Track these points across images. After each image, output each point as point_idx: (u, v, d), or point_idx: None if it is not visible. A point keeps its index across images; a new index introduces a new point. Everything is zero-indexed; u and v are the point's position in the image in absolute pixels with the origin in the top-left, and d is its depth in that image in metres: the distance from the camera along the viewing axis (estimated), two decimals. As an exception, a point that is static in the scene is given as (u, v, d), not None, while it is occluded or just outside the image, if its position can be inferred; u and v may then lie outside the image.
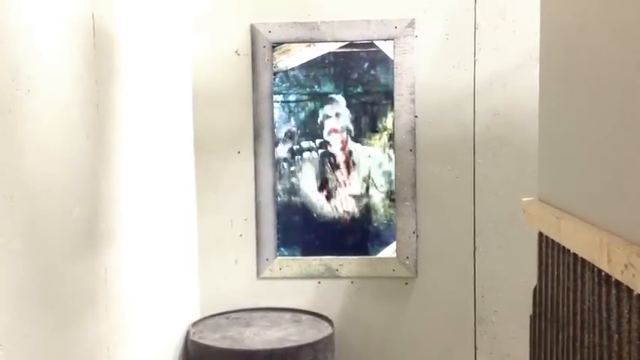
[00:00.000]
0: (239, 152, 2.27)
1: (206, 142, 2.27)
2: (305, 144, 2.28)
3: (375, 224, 2.28)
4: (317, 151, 2.27)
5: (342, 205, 2.29)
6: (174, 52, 2.12)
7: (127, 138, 1.64)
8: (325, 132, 2.27)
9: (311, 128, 2.27)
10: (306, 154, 2.28)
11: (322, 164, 2.27)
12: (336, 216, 2.30)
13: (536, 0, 1.39)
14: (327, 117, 2.27)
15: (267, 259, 2.30)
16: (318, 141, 2.28)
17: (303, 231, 2.30)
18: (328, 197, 2.28)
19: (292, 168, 2.28)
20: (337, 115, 2.26)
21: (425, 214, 2.25)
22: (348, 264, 2.28)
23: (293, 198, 2.29)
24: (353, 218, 2.29)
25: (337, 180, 2.28)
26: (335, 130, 2.27)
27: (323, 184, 2.28)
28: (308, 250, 2.30)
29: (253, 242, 2.29)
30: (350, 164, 2.28)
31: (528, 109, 1.98)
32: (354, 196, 2.29)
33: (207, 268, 2.30)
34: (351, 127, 2.26)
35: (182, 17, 2.20)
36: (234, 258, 2.30)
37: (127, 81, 1.65)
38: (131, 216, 1.67)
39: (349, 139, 2.26)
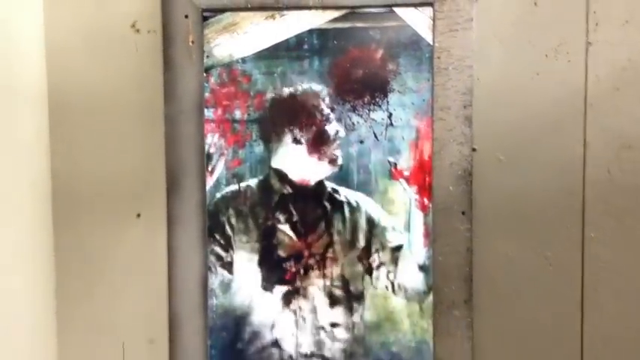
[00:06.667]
0: (138, 216, 1.25)
1: (74, 198, 1.28)
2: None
3: (395, 349, 1.26)
4: (271, 209, 1.26)
5: (320, 316, 1.27)
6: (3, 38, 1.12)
7: None
8: (294, 172, 1.25)
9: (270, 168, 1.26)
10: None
11: (271, 233, 1.26)
12: (322, 336, 1.28)
13: None
14: (300, 146, 1.26)
15: (192, 417, 1.28)
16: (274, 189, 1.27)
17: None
18: (287, 300, 1.24)
19: (242, 240, 1.26)
20: (319, 145, 1.23)
21: (489, 335, 1.27)
22: None
23: (241, 299, 1.26)
24: (353, 339, 1.27)
25: (306, 262, 1.26)
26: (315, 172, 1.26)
27: (274, 271, 1.26)
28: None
29: (166, 384, 1.27)
30: (337, 233, 1.26)
31: None
32: (348, 295, 1.27)
33: None
34: (349, 167, 1.23)
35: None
36: (128, 416, 1.27)
37: None
38: None
39: (341, 186, 1.24)
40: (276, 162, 1.27)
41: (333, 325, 1.29)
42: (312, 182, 1.26)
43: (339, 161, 1.26)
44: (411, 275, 1.28)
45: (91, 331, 1.27)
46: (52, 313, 1.27)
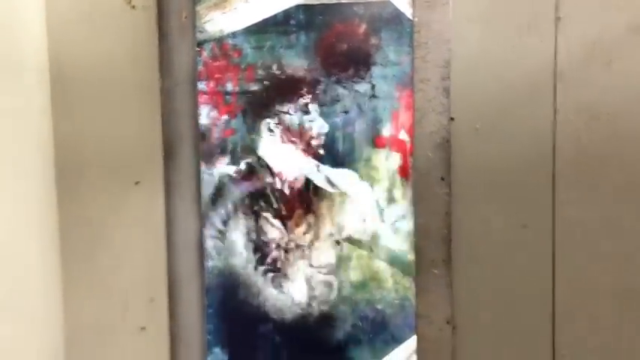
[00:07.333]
0: (137, 183, 1.32)
1: (76, 166, 1.34)
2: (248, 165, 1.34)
3: (379, 306, 1.35)
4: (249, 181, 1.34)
5: (304, 283, 1.36)
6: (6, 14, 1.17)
7: None
8: (278, 144, 1.33)
9: (260, 139, 1.33)
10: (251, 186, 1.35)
11: (255, 209, 1.34)
12: (311, 294, 1.37)
13: None
14: (290, 119, 1.34)
15: (191, 371, 1.37)
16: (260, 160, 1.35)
17: (253, 319, 1.36)
18: (273, 274, 1.34)
19: (233, 208, 1.34)
20: (308, 115, 1.31)
21: (467, 291, 1.36)
22: (331, 376, 1.37)
23: (235, 262, 1.35)
24: (340, 296, 1.36)
25: (287, 237, 1.35)
26: (308, 143, 1.33)
27: (261, 248, 1.35)
28: (263, 353, 1.37)
29: (165, 340, 1.36)
30: (316, 204, 1.34)
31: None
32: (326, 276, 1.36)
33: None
34: (335, 137, 1.31)
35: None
36: (130, 369, 1.36)
37: None
38: None
39: (324, 158, 1.33)
40: (262, 151, 1.35)
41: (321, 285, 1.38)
42: (297, 176, 1.34)
43: (323, 155, 1.34)
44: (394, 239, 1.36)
45: (94, 291, 1.35)
46: (58, 275, 1.35)
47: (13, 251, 1.20)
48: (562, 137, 1.32)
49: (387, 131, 1.34)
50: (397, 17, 1.32)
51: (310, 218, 1.36)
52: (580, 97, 1.30)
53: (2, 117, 1.16)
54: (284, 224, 1.36)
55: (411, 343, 1.38)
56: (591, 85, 1.30)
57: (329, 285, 1.38)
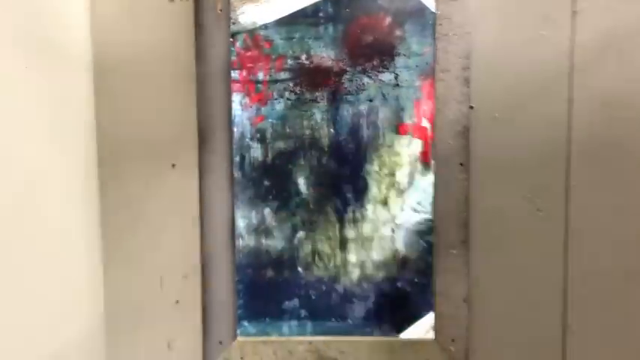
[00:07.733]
0: (174, 166, 1.40)
1: (117, 150, 1.42)
2: (283, 150, 1.41)
3: (399, 284, 1.43)
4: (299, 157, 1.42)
5: (341, 253, 1.44)
6: (54, 7, 1.25)
7: None
8: (315, 127, 1.40)
9: (295, 126, 1.40)
10: (283, 166, 1.42)
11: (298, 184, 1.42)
12: (335, 272, 1.45)
13: None
14: (317, 107, 1.41)
15: (221, 342, 1.46)
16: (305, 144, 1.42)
17: (279, 295, 1.45)
18: (299, 252, 1.41)
19: (262, 190, 1.42)
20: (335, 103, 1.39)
21: (483, 271, 1.43)
22: (354, 350, 1.45)
23: (264, 241, 1.43)
24: (362, 274, 1.44)
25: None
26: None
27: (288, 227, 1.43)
28: (289, 327, 1.45)
29: (198, 313, 1.45)
30: (358, 185, 1.42)
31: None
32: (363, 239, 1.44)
33: (119, 356, 1.44)
34: (359, 124, 1.39)
35: None
36: (165, 339, 1.45)
37: None
38: None
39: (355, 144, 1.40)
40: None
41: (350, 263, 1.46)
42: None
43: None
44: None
45: (133, 266, 1.44)
46: (99, 252, 1.44)
47: (57, 229, 1.29)
48: (577, 126, 1.37)
49: (409, 119, 1.41)
50: (420, 10, 1.38)
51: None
52: (595, 87, 1.36)
53: (49, 104, 1.25)
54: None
55: (428, 320, 1.45)
56: (606, 76, 1.36)
57: (353, 264, 1.46)
